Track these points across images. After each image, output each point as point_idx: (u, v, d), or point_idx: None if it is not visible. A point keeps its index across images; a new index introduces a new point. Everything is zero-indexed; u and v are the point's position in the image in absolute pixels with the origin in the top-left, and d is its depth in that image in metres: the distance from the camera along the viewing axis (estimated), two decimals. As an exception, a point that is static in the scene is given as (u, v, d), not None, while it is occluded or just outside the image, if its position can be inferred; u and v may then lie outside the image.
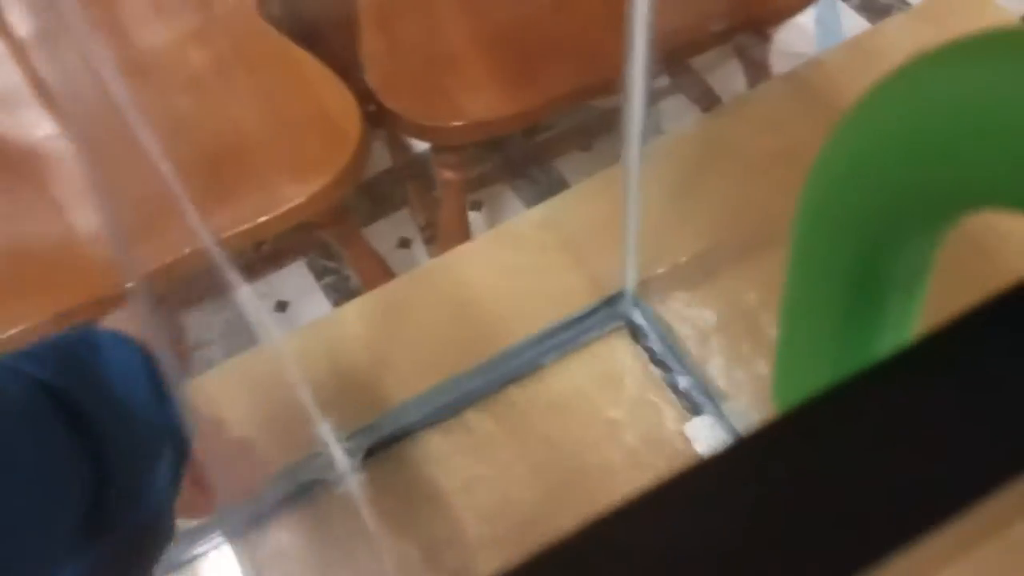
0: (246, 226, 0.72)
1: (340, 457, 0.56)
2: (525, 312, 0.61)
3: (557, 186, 1.10)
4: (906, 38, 0.74)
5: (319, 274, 1.11)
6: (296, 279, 1.10)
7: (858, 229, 0.23)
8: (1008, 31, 0.19)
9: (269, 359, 0.62)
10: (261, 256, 1.11)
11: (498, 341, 0.60)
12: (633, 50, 0.42)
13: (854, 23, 1.28)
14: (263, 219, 0.75)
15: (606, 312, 0.59)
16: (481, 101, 0.74)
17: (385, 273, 0.89)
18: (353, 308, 0.63)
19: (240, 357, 0.63)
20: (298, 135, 0.74)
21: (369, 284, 0.87)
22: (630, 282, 0.58)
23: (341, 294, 1.07)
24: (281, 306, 1.08)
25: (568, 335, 0.59)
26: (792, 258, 0.26)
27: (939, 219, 0.22)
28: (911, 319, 0.25)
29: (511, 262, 0.64)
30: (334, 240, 0.82)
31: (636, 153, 0.47)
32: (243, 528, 0.55)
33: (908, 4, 1.32)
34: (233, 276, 0.55)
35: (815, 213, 0.24)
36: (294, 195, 0.73)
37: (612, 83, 0.78)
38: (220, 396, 0.61)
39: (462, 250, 0.65)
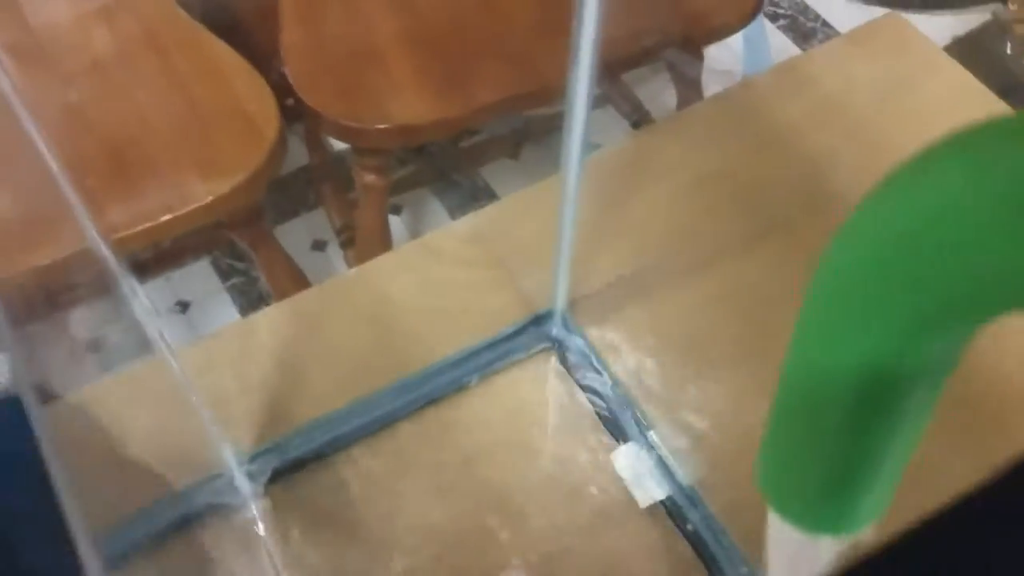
0: (147, 224, 0.67)
1: (241, 480, 0.52)
2: (448, 330, 0.58)
3: (482, 194, 1.07)
4: (836, 63, 0.74)
5: (224, 275, 1.05)
6: (199, 279, 1.04)
7: (886, 320, 0.20)
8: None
9: (167, 369, 0.57)
10: (161, 253, 1.04)
11: (419, 359, 0.56)
12: (578, 59, 0.40)
13: (780, 42, 1.29)
14: (166, 218, 0.69)
15: (534, 332, 0.57)
16: (408, 104, 0.71)
17: (298, 279, 0.84)
18: (263, 318, 0.59)
19: (135, 367, 0.58)
20: (209, 130, 0.69)
21: (279, 290, 0.83)
22: (560, 301, 0.56)
23: (248, 297, 1.02)
24: (182, 306, 1.02)
25: (493, 355, 0.56)
26: (797, 346, 0.24)
27: (987, 311, 0.19)
28: (925, 417, 0.23)
29: (435, 276, 0.61)
30: (243, 241, 0.77)
31: (576, 165, 0.45)
32: (127, 556, 0.51)
33: (831, 27, 1.34)
34: (128, 279, 0.50)
35: (834, 295, 0.22)
36: (201, 194, 0.68)
37: (545, 93, 0.76)
38: (111, 407, 0.56)
39: (383, 261, 0.61)
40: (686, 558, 0.51)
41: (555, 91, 0.43)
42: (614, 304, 0.58)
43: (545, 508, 0.53)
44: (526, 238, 0.61)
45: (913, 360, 0.21)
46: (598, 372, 0.55)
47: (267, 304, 0.62)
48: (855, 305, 0.21)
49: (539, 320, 0.57)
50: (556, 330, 0.57)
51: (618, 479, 0.53)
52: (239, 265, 1.04)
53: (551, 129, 1.09)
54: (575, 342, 0.56)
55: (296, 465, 0.53)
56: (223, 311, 1.01)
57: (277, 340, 0.58)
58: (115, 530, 0.51)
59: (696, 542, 0.50)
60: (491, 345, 0.56)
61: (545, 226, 0.60)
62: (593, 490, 0.53)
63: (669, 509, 0.51)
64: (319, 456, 0.53)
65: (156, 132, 0.70)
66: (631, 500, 0.52)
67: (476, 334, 0.57)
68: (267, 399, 0.56)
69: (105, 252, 0.47)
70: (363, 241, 0.87)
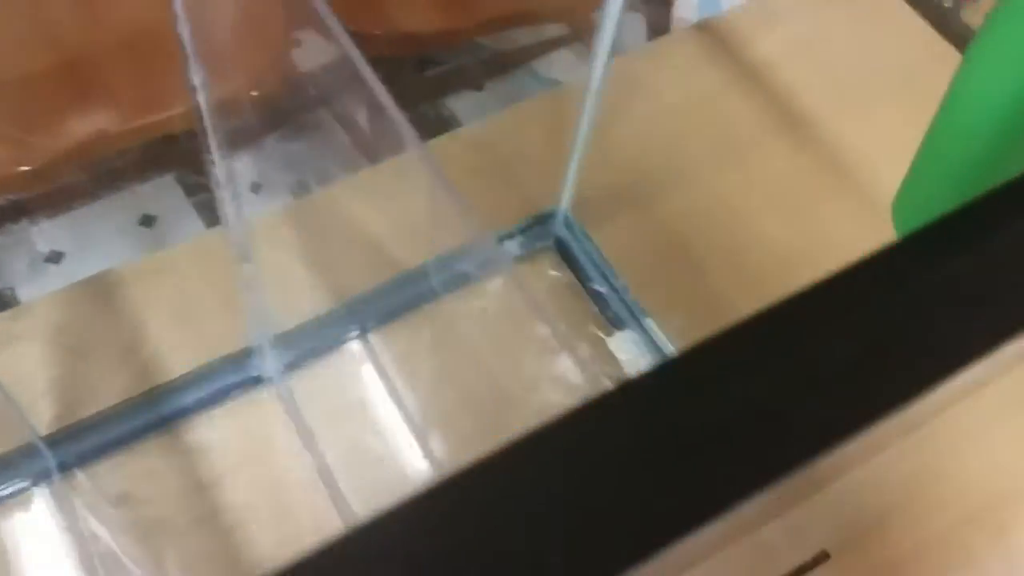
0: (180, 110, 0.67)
1: (270, 357, 0.54)
2: (441, 231, 0.61)
3: (447, 123, 1.09)
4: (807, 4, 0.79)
5: (190, 191, 1.05)
6: (164, 194, 1.04)
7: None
8: None
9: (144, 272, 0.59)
10: (123, 165, 1.04)
11: (408, 259, 0.60)
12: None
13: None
14: (162, 117, 0.71)
15: (537, 231, 0.61)
16: (412, 12, 0.73)
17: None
18: (286, 211, 0.62)
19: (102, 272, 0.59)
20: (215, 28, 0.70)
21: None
22: (565, 202, 0.60)
23: (215, 213, 1.02)
24: (147, 220, 1.02)
25: (492, 254, 0.60)
26: (969, 73, 0.28)
27: None
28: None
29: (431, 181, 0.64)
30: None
31: (602, 67, 0.49)
32: (164, 427, 0.53)
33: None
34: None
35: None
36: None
37: (549, 9, 0.79)
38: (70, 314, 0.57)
39: (389, 165, 0.64)
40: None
41: (558, 7, 0.46)
42: (609, 210, 0.63)
43: (543, 397, 0.57)
44: (528, 146, 0.65)
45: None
46: (596, 267, 0.60)
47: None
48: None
49: (542, 219, 0.61)
50: (558, 229, 0.61)
51: (616, 364, 0.58)
52: (203, 180, 1.04)
53: (515, 62, 1.12)
54: (577, 240, 0.61)
55: (316, 347, 0.56)
56: (192, 227, 1.02)
57: (299, 233, 0.61)
58: (139, 403, 0.53)
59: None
60: (493, 244, 0.60)
61: (544, 135, 0.65)
62: (591, 375, 0.58)
63: (662, 389, 0.57)
64: (337, 344, 0.57)
65: (158, 26, 0.71)
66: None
67: (473, 235, 0.61)
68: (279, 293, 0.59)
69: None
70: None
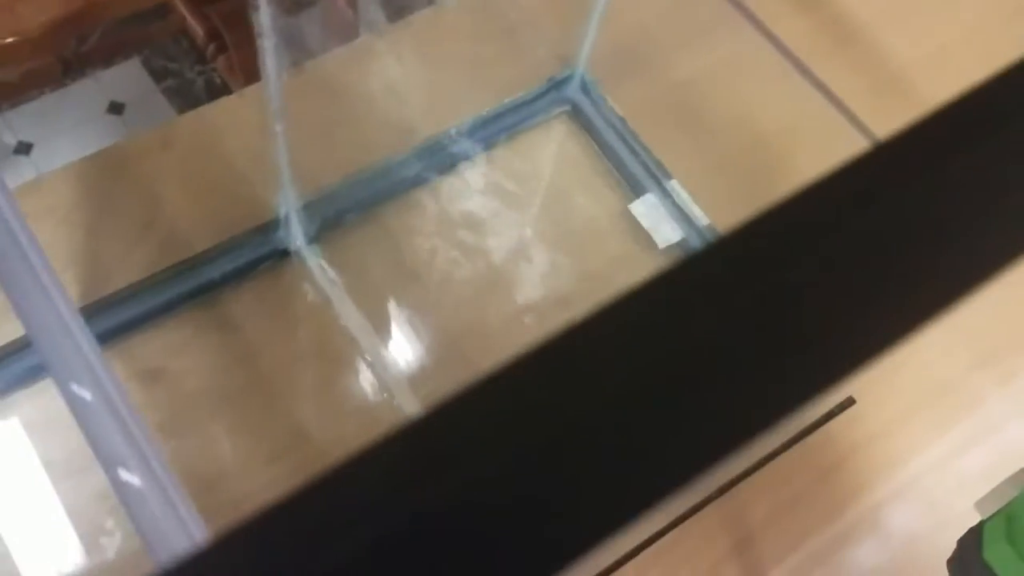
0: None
1: (296, 226, 0.54)
2: (460, 99, 0.60)
3: None
4: None
5: (158, 76, 1.01)
6: (131, 80, 1.00)
7: None
8: None
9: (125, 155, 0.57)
10: (86, 50, 0.99)
11: (427, 128, 0.59)
12: None
13: None
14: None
15: (553, 96, 0.60)
16: None
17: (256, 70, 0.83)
18: (254, 91, 0.59)
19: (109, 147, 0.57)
20: None
21: (249, 78, 0.81)
22: (582, 64, 0.59)
23: (185, 99, 0.99)
24: (115, 107, 0.98)
25: (514, 119, 0.60)
26: None
27: None
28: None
29: (445, 46, 0.62)
30: (220, 21, 0.75)
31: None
32: (180, 305, 0.52)
33: None
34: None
35: None
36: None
37: None
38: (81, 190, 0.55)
39: (396, 30, 0.62)
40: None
41: None
42: (624, 73, 0.62)
43: (567, 255, 0.58)
44: (539, 6, 0.63)
45: None
46: (616, 131, 0.60)
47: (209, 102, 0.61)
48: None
49: (557, 84, 0.60)
50: (574, 93, 0.60)
51: (637, 227, 0.58)
52: (172, 66, 1.00)
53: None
54: (593, 104, 0.60)
55: (339, 217, 0.55)
56: (161, 112, 0.98)
57: (297, 105, 0.59)
58: (165, 278, 0.52)
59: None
60: (512, 109, 0.59)
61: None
62: (613, 238, 0.58)
63: (686, 249, 0.58)
64: (359, 210, 0.56)
65: None
66: (651, 243, 0.58)
67: (490, 102, 0.60)
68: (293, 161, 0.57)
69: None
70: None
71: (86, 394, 0.20)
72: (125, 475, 0.19)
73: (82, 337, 0.23)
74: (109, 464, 0.19)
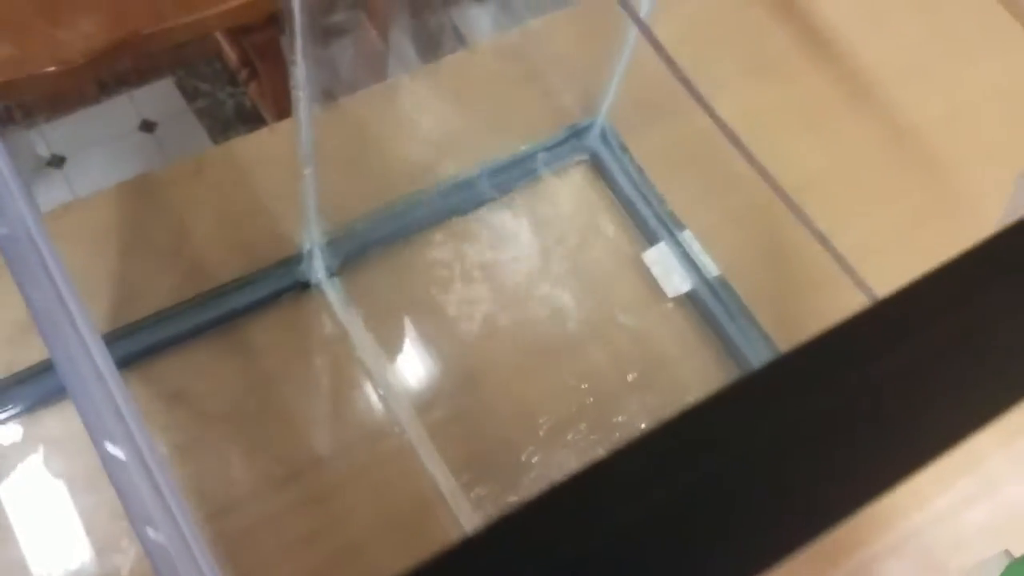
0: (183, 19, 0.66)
1: (319, 260, 0.55)
2: (482, 142, 0.62)
3: (449, 36, 1.08)
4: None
5: (190, 96, 1.04)
6: (163, 99, 1.02)
7: None
8: None
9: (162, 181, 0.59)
10: (122, 69, 1.02)
11: (450, 169, 0.60)
12: None
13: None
14: (186, 20, 0.69)
15: (573, 144, 0.62)
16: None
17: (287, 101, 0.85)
18: (285, 127, 0.61)
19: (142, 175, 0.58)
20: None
21: (279, 106, 0.84)
22: (603, 113, 0.61)
23: (216, 120, 1.01)
24: (147, 126, 1.01)
25: (530, 165, 0.61)
26: None
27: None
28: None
29: (472, 89, 0.64)
30: (253, 50, 0.77)
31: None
32: (199, 334, 0.54)
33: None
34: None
35: None
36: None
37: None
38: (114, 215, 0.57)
39: (426, 71, 0.64)
40: (710, 340, 0.59)
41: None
42: (643, 123, 0.64)
43: (579, 299, 0.59)
44: (564, 55, 0.65)
45: None
46: (631, 180, 0.61)
47: (240, 127, 0.63)
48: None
49: (578, 132, 0.62)
50: (594, 141, 0.62)
51: (648, 276, 0.60)
52: (205, 87, 1.03)
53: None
54: (612, 153, 0.62)
55: (360, 253, 0.57)
56: (193, 133, 1.00)
57: (329, 139, 0.61)
58: (191, 306, 0.54)
59: (718, 325, 0.58)
60: (533, 154, 0.61)
61: (580, 46, 0.65)
62: (625, 285, 0.60)
63: (695, 300, 0.59)
64: (380, 246, 0.57)
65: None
66: (661, 292, 0.59)
67: (511, 146, 0.61)
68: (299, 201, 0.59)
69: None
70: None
71: (120, 453, 0.22)
72: (153, 534, 0.21)
73: (118, 393, 0.24)
74: (138, 522, 0.21)
